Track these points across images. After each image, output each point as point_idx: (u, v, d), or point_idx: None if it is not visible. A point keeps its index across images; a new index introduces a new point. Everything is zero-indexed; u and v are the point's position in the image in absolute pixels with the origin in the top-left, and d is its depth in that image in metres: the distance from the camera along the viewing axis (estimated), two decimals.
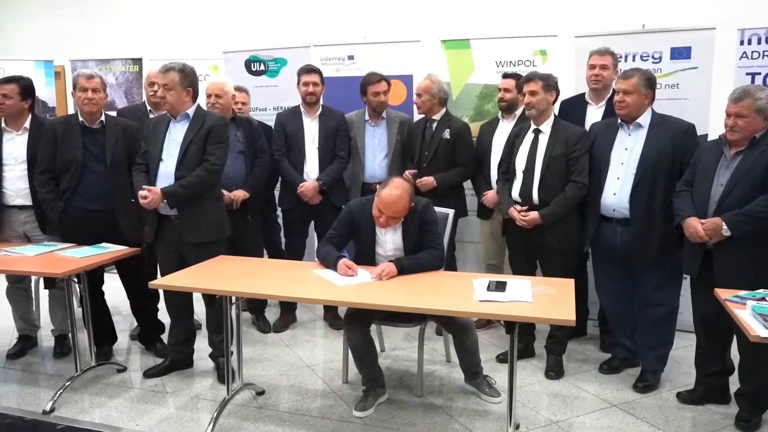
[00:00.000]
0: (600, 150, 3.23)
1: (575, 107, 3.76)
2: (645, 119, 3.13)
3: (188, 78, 3.22)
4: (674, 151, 3.06)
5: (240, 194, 3.77)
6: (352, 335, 3.01)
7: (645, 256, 3.15)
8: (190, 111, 3.27)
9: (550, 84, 3.33)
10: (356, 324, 3.00)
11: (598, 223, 3.25)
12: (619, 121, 3.19)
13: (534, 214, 3.26)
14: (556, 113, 3.79)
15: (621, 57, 3.93)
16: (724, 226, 2.71)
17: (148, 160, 3.28)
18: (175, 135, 3.25)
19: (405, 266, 2.91)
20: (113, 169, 3.45)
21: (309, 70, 4.06)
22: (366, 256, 3.10)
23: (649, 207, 3.09)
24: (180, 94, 3.20)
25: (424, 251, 3.02)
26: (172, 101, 3.20)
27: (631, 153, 3.14)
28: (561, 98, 3.66)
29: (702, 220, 2.80)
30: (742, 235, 2.69)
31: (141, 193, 3.14)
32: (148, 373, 3.44)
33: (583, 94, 3.79)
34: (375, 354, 3.11)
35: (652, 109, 3.17)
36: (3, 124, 3.56)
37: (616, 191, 3.15)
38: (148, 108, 3.97)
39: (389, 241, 3.09)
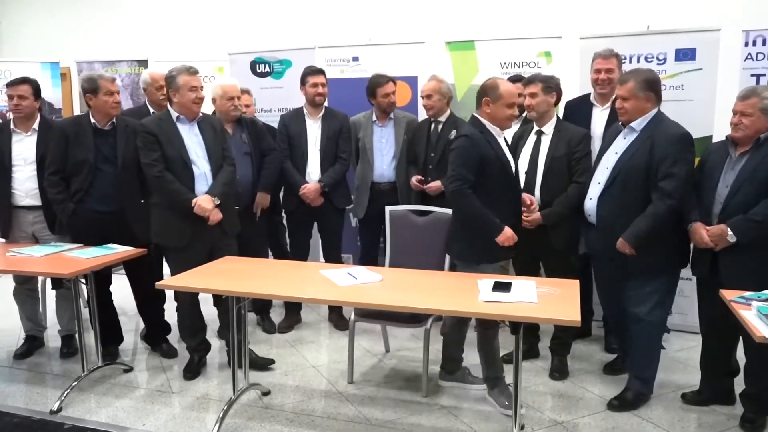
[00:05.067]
0: (601, 151, 3.17)
1: (581, 108, 3.74)
2: (640, 123, 2.93)
3: None
4: (650, 159, 2.83)
5: (264, 201, 3.92)
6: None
7: (616, 268, 3.00)
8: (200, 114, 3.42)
9: (550, 86, 3.33)
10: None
11: (586, 225, 3.15)
12: (620, 123, 3.11)
13: (536, 215, 3.26)
14: (561, 114, 3.80)
15: (625, 58, 3.93)
16: (730, 232, 2.70)
17: (167, 162, 3.26)
18: (196, 138, 3.35)
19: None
20: (124, 170, 3.47)
21: (317, 71, 4.08)
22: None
23: (618, 216, 2.91)
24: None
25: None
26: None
27: (615, 158, 2.98)
28: (566, 99, 3.66)
29: (707, 227, 2.79)
30: (747, 241, 2.69)
31: (201, 212, 3.23)
32: (187, 376, 3.45)
33: (588, 95, 3.78)
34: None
35: (659, 111, 2.97)
36: (12, 126, 3.59)
37: (593, 196, 3.04)
38: (151, 110, 3.98)
39: (508, 153, 3.06)
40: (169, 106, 3.37)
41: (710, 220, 2.82)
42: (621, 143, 3.01)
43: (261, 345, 3.93)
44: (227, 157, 3.44)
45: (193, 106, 3.31)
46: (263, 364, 3.58)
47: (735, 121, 2.78)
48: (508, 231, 2.93)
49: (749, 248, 2.70)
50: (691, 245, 2.97)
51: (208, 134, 3.37)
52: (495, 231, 2.91)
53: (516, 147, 3.46)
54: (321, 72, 4.07)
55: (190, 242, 3.29)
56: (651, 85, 2.92)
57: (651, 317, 2.98)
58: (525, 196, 3.14)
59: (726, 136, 2.90)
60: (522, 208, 3.30)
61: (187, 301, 3.41)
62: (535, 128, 3.39)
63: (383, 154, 4.14)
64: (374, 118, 4.16)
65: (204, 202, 3.24)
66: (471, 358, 3.67)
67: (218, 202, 3.29)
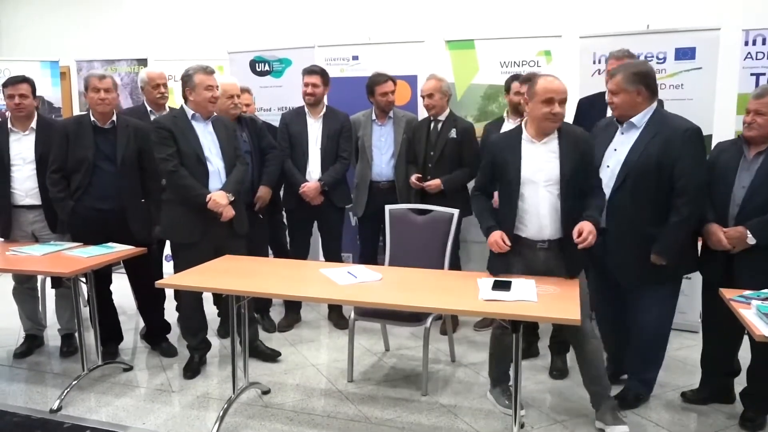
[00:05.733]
0: (597, 149, 2.92)
1: (595, 106, 3.63)
2: (641, 119, 2.80)
3: None
4: (661, 157, 2.71)
5: (266, 196, 3.92)
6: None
7: (623, 275, 2.89)
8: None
9: None
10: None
11: None
12: (615, 118, 2.95)
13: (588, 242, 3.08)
14: (573, 112, 3.79)
15: None
16: (749, 235, 2.66)
17: (182, 158, 3.28)
18: (210, 136, 3.40)
19: (599, 221, 2.68)
20: (124, 168, 3.47)
21: (310, 71, 4.08)
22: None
23: (629, 220, 2.79)
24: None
25: (594, 197, 2.73)
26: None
27: (618, 156, 2.85)
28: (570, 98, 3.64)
29: (724, 229, 2.74)
30: (766, 243, 2.66)
31: (215, 207, 3.25)
32: (187, 375, 3.45)
33: (603, 94, 3.72)
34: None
35: (659, 105, 2.87)
36: (9, 125, 3.58)
37: None
38: (149, 109, 3.98)
39: (543, 162, 2.71)
40: (183, 104, 3.40)
41: (726, 221, 2.77)
42: (620, 139, 2.88)
43: None
44: (240, 156, 3.51)
45: (208, 105, 3.35)
46: (272, 356, 3.63)
47: (748, 120, 2.73)
48: (493, 236, 2.77)
49: (766, 250, 2.67)
50: (699, 247, 2.93)
51: (221, 133, 3.42)
52: (485, 234, 2.84)
53: None
54: (314, 72, 4.06)
55: (200, 239, 3.30)
56: (641, 78, 2.77)
57: (659, 325, 2.96)
58: (578, 228, 2.60)
59: (739, 135, 2.85)
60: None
61: (191, 300, 3.42)
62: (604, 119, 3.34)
63: (382, 153, 4.14)
64: (374, 117, 4.16)
65: (219, 198, 3.26)
66: (472, 357, 3.69)
67: (232, 199, 3.33)
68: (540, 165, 2.71)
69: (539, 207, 2.72)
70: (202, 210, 3.25)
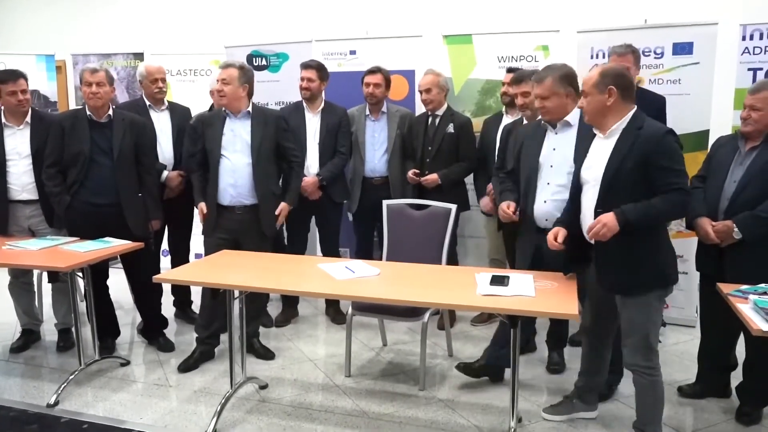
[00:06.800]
0: (528, 155, 2.95)
1: None
2: (573, 117, 2.83)
3: (246, 75, 3.41)
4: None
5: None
6: None
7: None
8: (249, 108, 3.47)
9: None
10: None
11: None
12: (542, 122, 2.94)
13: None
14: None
15: None
16: (735, 229, 2.68)
17: (207, 154, 3.45)
18: (239, 131, 3.43)
19: (630, 218, 2.29)
20: (120, 163, 3.46)
21: (306, 65, 4.07)
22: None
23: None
24: (236, 90, 3.37)
25: (658, 196, 2.33)
26: (229, 95, 3.37)
27: (559, 154, 2.85)
28: None
29: (713, 223, 2.76)
30: (753, 239, 2.66)
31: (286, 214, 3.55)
32: (181, 368, 3.46)
33: None
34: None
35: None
36: (3, 120, 3.55)
37: (547, 198, 2.87)
38: (147, 103, 3.97)
39: (595, 159, 2.49)
40: None
41: (716, 215, 2.79)
42: (556, 138, 2.88)
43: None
44: (293, 161, 3.58)
45: (217, 100, 3.49)
46: (266, 355, 3.62)
47: (744, 115, 2.75)
48: (550, 233, 2.63)
49: (755, 245, 2.67)
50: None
51: (257, 128, 3.44)
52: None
53: (506, 142, 3.45)
54: (310, 66, 4.04)
55: (213, 233, 3.45)
56: (570, 80, 2.80)
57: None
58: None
59: (737, 131, 2.86)
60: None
61: (219, 294, 3.39)
62: (525, 123, 3.38)
63: (375, 149, 4.13)
64: (367, 112, 4.15)
65: (285, 211, 3.55)
66: (470, 352, 3.69)
67: (294, 205, 3.58)
68: (592, 162, 2.52)
69: (585, 206, 2.54)
70: (213, 206, 3.45)
